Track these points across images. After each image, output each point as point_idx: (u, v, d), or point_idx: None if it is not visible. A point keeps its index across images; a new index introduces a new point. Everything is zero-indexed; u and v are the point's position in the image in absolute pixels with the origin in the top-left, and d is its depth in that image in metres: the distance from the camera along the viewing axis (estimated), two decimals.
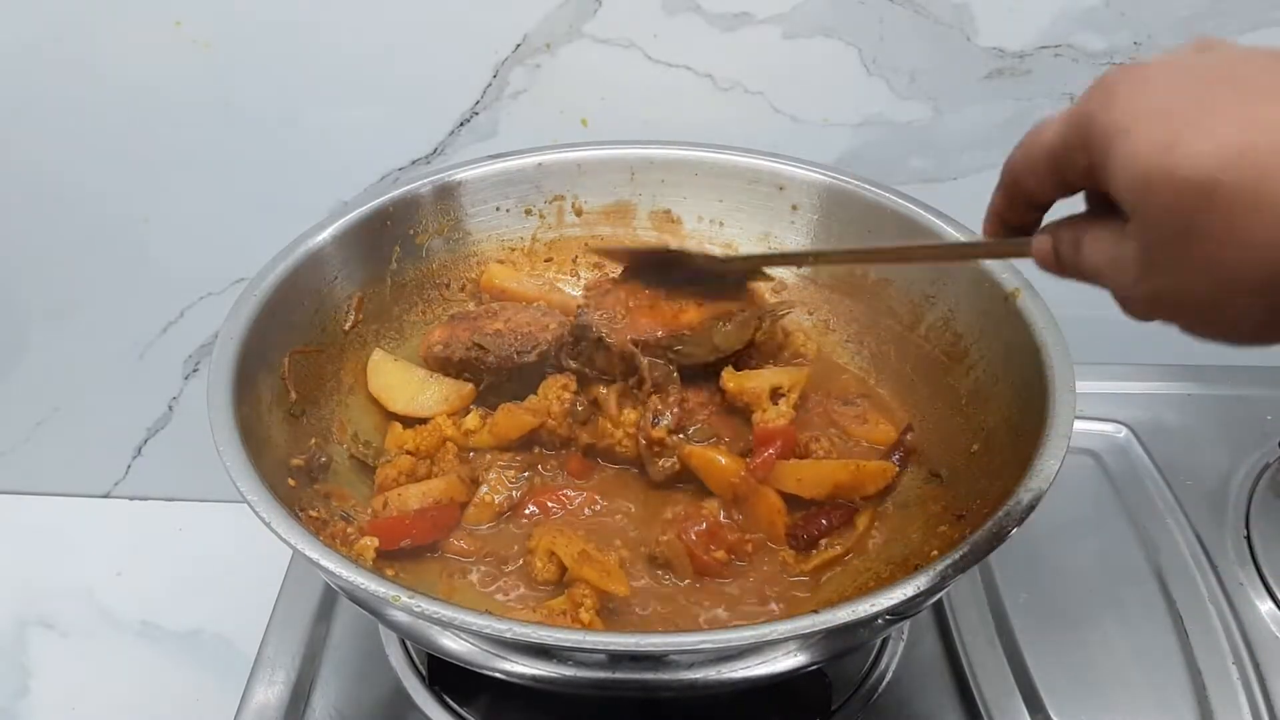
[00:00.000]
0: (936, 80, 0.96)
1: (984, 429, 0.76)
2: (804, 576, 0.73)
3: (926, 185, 1.01)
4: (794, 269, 0.92)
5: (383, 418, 0.84)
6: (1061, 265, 0.51)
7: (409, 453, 0.79)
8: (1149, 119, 0.42)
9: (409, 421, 0.82)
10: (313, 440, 0.77)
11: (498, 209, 0.91)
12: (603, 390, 0.80)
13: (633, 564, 0.74)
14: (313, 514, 0.71)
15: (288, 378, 0.77)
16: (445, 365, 0.84)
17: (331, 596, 0.84)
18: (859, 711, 0.75)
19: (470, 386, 0.84)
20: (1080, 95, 0.47)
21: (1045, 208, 0.53)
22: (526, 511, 0.77)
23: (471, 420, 0.81)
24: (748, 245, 0.93)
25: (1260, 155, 0.39)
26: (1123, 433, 0.96)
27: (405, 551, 0.73)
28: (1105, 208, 0.47)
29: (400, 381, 0.84)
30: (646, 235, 0.94)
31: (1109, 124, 0.44)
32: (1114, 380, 1.00)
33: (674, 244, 0.92)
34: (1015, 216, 0.54)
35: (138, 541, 1.22)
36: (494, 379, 0.83)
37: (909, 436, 0.80)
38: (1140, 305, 0.46)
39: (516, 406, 0.80)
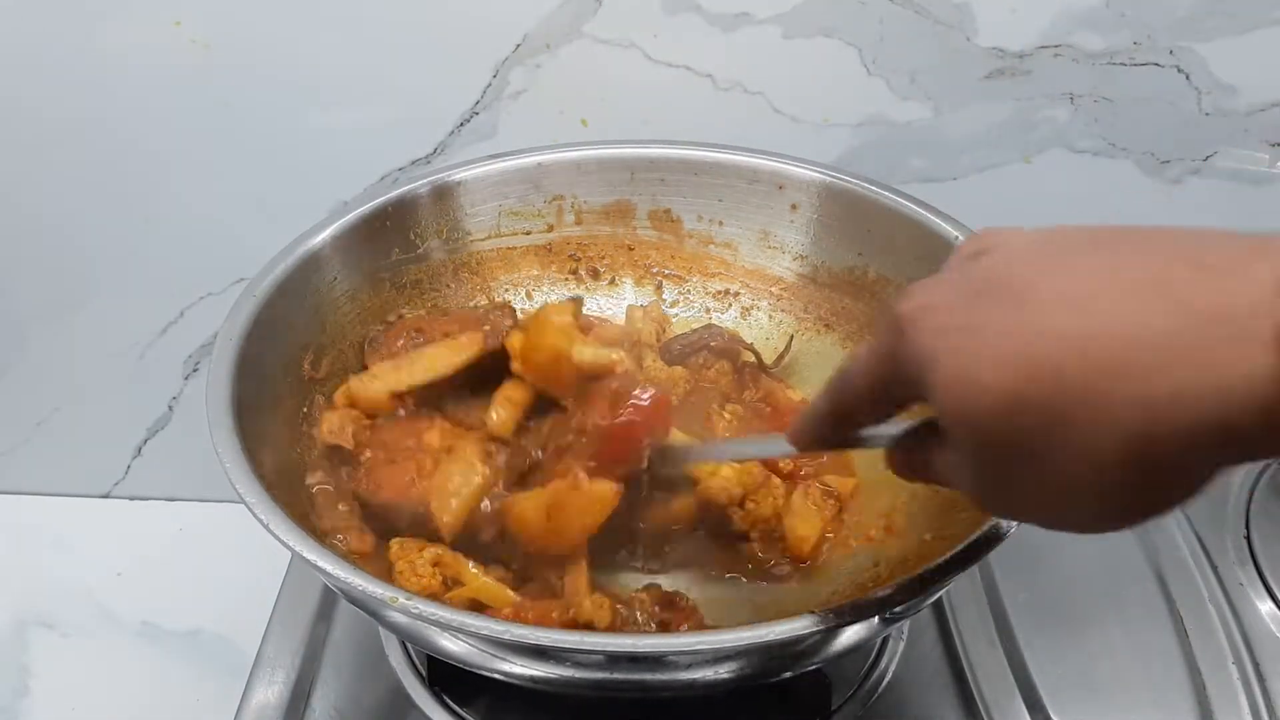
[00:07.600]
0: (936, 80, 0.96)
1: None
2: None
3: (926, 185, 1.01)
4: (793, 267, 0.92)
5: None
6: (916, 476, 0.51)
7: None
8: (946, 353, 0.41)
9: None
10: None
11: (498, 209, 0.92)
12: None
13: None
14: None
15: (287, 378, 0.78)
16: None
17: (331, 596, 0.84)
18: (859, 711, 0.75)
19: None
20: (878, 327, 0.46)
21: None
22: None
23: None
24: (748, 244, 0.93)
25: (1045, 369, 0.37)
26: None
27: None
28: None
29: None
30: (646, 235, 0.94)
31: (913, 360, 0.42)
32: None
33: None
34: (839, 436, 0.52)
35: (138, 541, 1.22)
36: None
37: None
38: (997, 513, 0.53)
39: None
